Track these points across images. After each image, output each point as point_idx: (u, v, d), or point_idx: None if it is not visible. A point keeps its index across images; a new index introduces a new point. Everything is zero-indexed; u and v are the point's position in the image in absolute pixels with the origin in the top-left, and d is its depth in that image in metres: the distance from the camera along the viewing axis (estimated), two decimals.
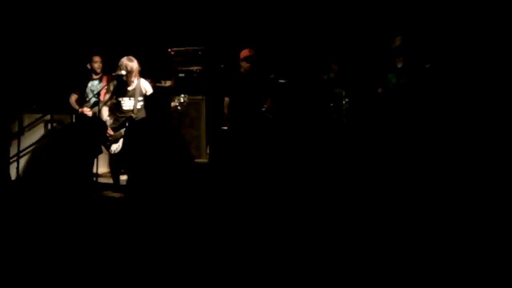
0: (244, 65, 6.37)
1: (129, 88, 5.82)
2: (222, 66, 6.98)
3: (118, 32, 7.74)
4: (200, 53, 6.97)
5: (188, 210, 4.18)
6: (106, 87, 6.02)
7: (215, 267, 3.76)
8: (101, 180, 6.49)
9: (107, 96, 5.89)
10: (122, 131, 5.69)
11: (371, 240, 4.15)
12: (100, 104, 5.94)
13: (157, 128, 4.22)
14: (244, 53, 6.38)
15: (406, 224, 4.42)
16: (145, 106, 4.46)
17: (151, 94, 4.89)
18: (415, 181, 5.10)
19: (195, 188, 4.37)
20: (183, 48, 7.01)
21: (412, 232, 4.23)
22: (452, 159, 5.23)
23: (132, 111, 5.77)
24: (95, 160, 6.41)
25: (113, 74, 5.77)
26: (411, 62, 5.90)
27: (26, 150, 7.02)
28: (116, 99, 5.83)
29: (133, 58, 5.80)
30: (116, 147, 5.73)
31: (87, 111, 6.46)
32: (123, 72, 5.70)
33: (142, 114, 5.55)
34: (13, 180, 6.71)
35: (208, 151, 6.81)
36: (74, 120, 6.80)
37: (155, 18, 7.71)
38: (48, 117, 7.04)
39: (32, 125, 7.18)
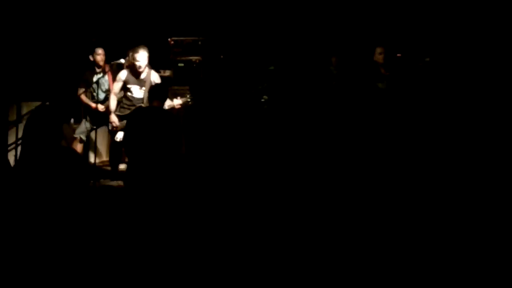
0: None
1: (140, 77, 5.72)
2: (221, 56, 6.95)
3: (118, 22, 7.71)
4: (199, 43, 6.95)
5: (177, 201, 4.15)
6: (112, 77, 5.89)
7: (215, 260, 3.74)
8: (99, 168, 6.49)
9: (117, 85, 5.79)
10: None
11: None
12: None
13: (156, 116, 4.25)
14: None
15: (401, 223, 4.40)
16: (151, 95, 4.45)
17: (156, 85, 4.91)
18: (414, 182, 5.06)
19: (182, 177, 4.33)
20: (182, 38, 6.99)
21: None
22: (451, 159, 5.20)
23: (142, 101, 5.68)
24: (94, 149, 6.41)
25: (112, 62, 5.75)
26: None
27: None
28: (125, 86, 5.75)
29: (142, 47, 5.65)
30: (122, 135, 5.68)
31: (101, 109, 6.34)
32: (122, 61, 5.68)
33: None
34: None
35: None
36: (83, 112, 6.67)
37: (154, 7, 7.68)
38: None
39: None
